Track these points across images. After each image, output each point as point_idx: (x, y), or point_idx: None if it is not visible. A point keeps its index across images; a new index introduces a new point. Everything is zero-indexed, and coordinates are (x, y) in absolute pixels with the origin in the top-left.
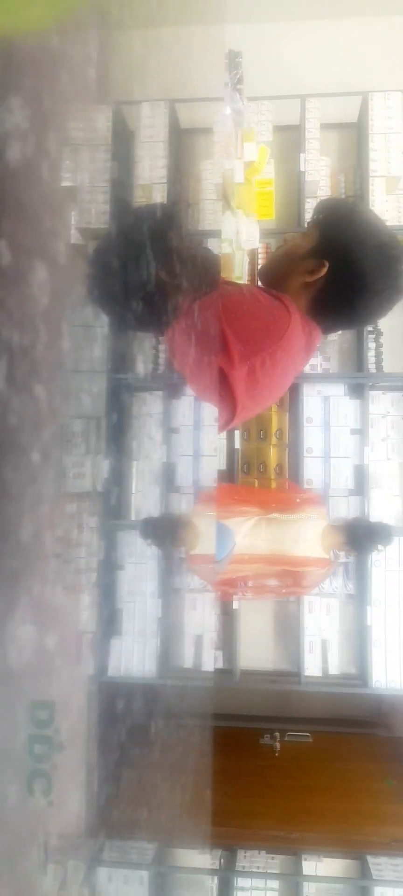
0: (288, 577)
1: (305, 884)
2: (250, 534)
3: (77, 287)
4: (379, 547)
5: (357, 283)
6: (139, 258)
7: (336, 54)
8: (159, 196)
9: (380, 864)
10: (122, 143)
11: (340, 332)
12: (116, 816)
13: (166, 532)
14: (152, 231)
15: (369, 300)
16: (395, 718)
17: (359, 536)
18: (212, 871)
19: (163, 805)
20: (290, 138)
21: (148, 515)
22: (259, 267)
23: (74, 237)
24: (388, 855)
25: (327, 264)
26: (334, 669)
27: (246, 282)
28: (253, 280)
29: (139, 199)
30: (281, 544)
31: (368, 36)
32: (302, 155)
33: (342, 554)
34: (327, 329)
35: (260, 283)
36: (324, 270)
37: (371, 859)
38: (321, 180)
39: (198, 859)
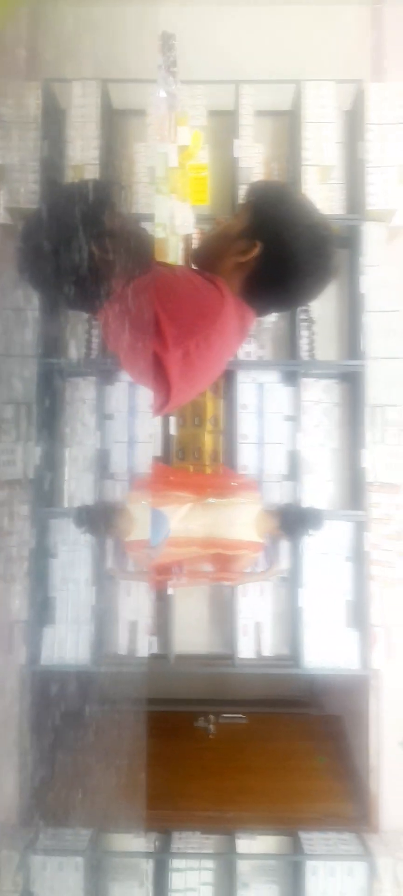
0: (221, 562)
1: (239, 862)
2: (185, 518)
3: (6, 269)
4: (310, 531)
5: (289, 264)
6: (71, 234)
7: (271, 41)
8: (91, 177)
9: (312, 840)
10: (53, 122)
11: (274, 318)
12: (50, 800)
13: (100, 519)
14: (85, 206)
15: (300, 281)
16: (326, 697)
17: (291, 521)
18: (147, 854)
19: (97, 789)
20: (224, 123)
21: (82, 503)
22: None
23: (3, 217)
24: (320, 830)
25: (259, 245)
26: (267, 651)
27: (180, 265)
28: (186, 265)
29: (70, 179)
30: (215, 528)
31: (302, 24)
32: (235, 141)
33: (274, 539)
34: (260, 311)
35: (193, 266)
36: (256, 251)
37: (303, 835)
38: (254, 167)
39: (133, 843)
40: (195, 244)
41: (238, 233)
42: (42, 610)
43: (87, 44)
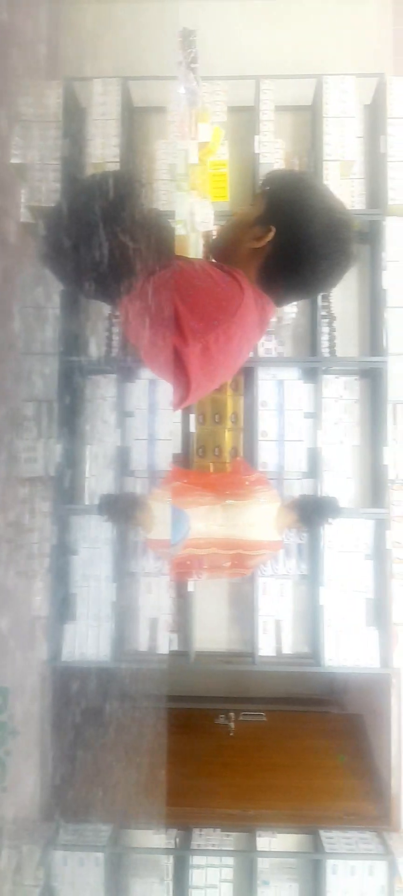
0: (240, 560)
1: (259, 859)
2: (205, 518)
3: (27, 267)
4: (329, 520)
5: (304, 248)
6: (92, 225)
7: (292, 36)
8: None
9: (333, 838)
10: (74, 120)
11: (294, 314)
12: (71, 797)
13: (122, 510)
14: (107, 197)
15: (316, 265)
16: (347, 696)
17: (309, 512)
18: (168, 851)
19: (117, 786)
20: (245, 119)
21: (107, 492)
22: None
23: (24, 216)
24: (340, 829)
25: (273, 229)
26: (287, 649)
27: (199, 258)
28: (206, 260)
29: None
30: (235, 529)
31: (323, 18)
32: (256, 137)
33: (293, 533)
34: (279, 300)
35: (211, 258)
36: (271, 235)
37: (323, 833)
38: (275, 163)
39: (154, 839)
40: (216, 234)
41: (253, 220)
42: (63, 606)
43: (108, 41)
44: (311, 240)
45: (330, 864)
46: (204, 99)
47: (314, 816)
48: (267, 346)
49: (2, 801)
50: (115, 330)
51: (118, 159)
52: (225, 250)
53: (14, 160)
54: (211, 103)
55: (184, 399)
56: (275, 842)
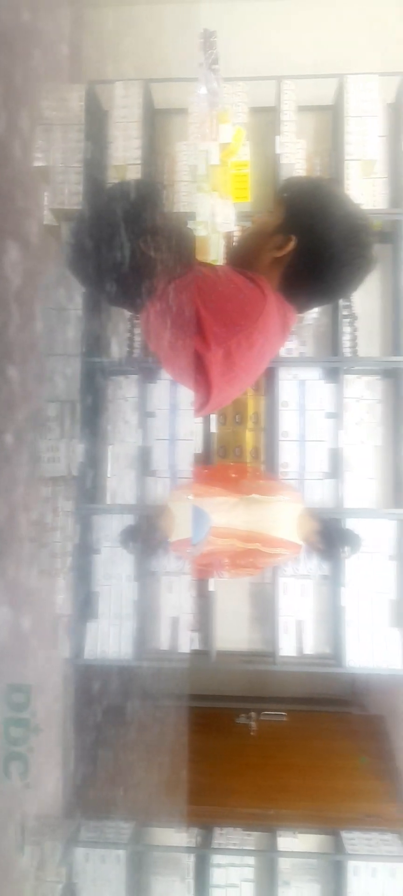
0: (257, 557)
1: (280, 859)
2: (227, 513)
3: (50, 268)
4: (346, 549)
5: (325, 255)
6: (116, 232)
7: (313, 35)
8: (134, 177)
9: (354, 839)
10: (96, 123)
11: (316, 314)
12: (93, 796)
13: (144, 536)
14: (129, 205)
15: (338, 271)
16: (369, 697)
17: (330, 535)
18: (189, 849)
19: (139, 785)
20: (266, 120)
21: (124, 526)
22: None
23: (47, 218)
24: (362, 830)
25: (294, 238)
26: (309, 649)
27: (221, 265)
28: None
29: (113, 179)
30: (257, 524)
31: (345, 17)
32: (277, 137)
33: (309, 547)
34: (301, 307)
35: (231, 266)
36: (292, 245)
37: (345, 835)
38: (297, 163)
39: (175, 838)
40: (235, 242)
41: (273, 229)
42: (85, 605)
43: (129, 43)
44: (332, 247)
45: (351, 865)
46: (225, 100)
47: (335, 817)
48: (288, 346)
49: (25, 798)
50: (137, 331)
51: (139, 161)
52: (245, 259)
53: (37, 163)
54: (232, 104)
55: (205, 404)
56: (296, 842)
